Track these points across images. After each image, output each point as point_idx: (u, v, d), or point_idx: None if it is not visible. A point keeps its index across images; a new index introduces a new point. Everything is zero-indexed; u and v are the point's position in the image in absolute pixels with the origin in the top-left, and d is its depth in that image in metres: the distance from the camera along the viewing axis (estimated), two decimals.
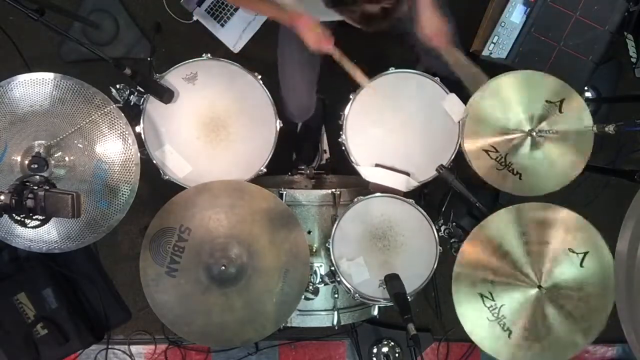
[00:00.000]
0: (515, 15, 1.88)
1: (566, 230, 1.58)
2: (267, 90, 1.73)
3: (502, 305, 1.58)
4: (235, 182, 1.69)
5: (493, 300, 1.58)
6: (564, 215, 1.58)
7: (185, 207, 1.66)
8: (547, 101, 1.66)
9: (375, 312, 1.82)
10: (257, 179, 1.75)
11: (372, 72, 1.74)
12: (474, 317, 1.58)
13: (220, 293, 1.64)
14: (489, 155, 1.68)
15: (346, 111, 1.73)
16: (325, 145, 2.28)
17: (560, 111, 1.66)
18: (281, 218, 1.66)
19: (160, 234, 1.64)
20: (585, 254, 1.58)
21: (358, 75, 1.68)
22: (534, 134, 1.67)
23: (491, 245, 1.58)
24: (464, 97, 1.71)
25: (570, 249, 1.58)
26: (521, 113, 1.67)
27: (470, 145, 1.68)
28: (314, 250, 1.75)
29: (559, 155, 1.68)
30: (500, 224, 1.58)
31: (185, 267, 1.64)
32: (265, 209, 1.67)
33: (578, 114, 1.67)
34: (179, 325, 1.66)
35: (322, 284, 1.73)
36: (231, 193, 1.67)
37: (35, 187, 1.36)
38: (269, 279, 1.64)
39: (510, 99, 1.67)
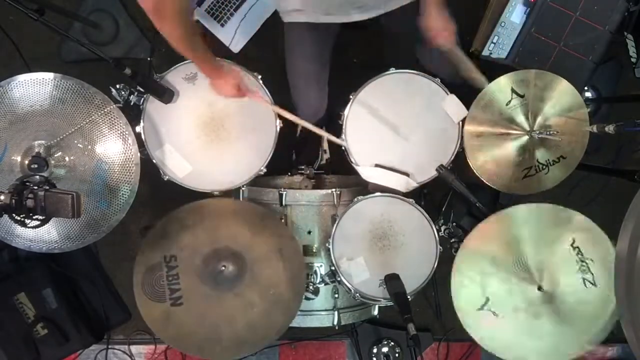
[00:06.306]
0: (515, 15, 1.88)
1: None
2: (267, 90, 1.73)
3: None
4: (194, 205, 1.67)
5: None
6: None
7: (160, 240, 1.63)
8: (507, 102, 1.67)
9: (376, 312, 1.82)
10: (257, 179, 1.75)
11: (373, 72, 1.74)
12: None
13: (233, 295, 1.60)
14: (528, 177, 1.70)
15: (346, 111, 1.73)
16: (325, 145, 2.28)
17: (520, 96, 1.66)
18: (249, 212, 1.68)
19: (148, 274, 1.61)
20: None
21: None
22: (534, 133, 1.67)
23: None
24: (464, 97, 1.71)
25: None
26: (513, 118, 1.67)
27: (501, 182, 1.70)
28: (314, 250, 1.75)
29: (566, 127, 1.69)
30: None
31: (188, 290, 1.60)
32: (233, 210, 1.68)
33: (554, 88, 1.67)
34: (210, 348, 1.59)
35: (323, 284, 1.73)
36: (195, 212, 1.66)
37: (35, 187, 1.35)
38: (269, 262, 1.62)
39: (496, 110, 1.67)
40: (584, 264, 1.58)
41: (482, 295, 1.58)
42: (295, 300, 1.63)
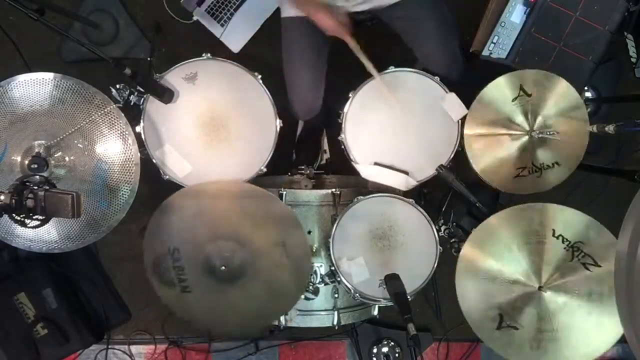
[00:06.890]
0: (515, 15, 1.88)
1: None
2: (267, 90, 1.73)
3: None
4: (186, 190, 1.68)
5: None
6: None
7: (162, 231, 1.64)
8: (514, 99, 1.66)
9: (376, 312, 1.82)
10: (257, 179, 1.75)
11: None
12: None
13: (238, 288, 1.63)
14: (521, 177, 1.69)
15: (345, 109, 1.73)
16: (325, 145, 2.28)
17: (528, 95, 1.66)
18: (250, 197, 1.65)
19: (157, 264, 1.64)
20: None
21: (370, 67, 1.67)
22: (534, 133, 1.67)
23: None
24: (464, 96, 1.71)
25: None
26: (513, 118, 1.67)
27: (503, 183, 1.69)
28: (314, 250, 1.75)
29: (566, 127, 1.68)
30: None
31: (194, 281, 1.64)
32: (231, 199, 1.66)
33: (555, 88, 1.67)
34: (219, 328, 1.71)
35: (322, 284, 1.73)
36: (189, 201, 1.65)
37: (35, 187, 1.36)
38: (271, 256, 1.62)
39: (496, 110, 1.67)
40: (576, 250, 1.56)
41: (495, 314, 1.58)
42: (298, 289, 1.66)
